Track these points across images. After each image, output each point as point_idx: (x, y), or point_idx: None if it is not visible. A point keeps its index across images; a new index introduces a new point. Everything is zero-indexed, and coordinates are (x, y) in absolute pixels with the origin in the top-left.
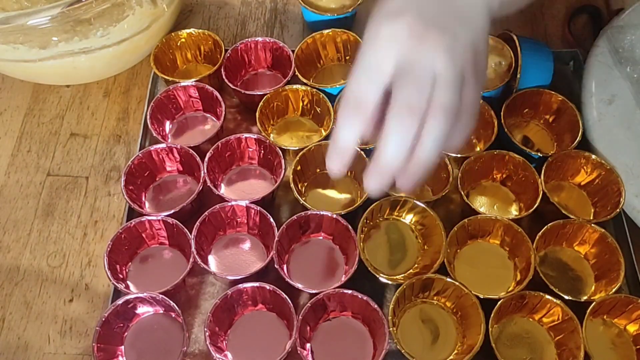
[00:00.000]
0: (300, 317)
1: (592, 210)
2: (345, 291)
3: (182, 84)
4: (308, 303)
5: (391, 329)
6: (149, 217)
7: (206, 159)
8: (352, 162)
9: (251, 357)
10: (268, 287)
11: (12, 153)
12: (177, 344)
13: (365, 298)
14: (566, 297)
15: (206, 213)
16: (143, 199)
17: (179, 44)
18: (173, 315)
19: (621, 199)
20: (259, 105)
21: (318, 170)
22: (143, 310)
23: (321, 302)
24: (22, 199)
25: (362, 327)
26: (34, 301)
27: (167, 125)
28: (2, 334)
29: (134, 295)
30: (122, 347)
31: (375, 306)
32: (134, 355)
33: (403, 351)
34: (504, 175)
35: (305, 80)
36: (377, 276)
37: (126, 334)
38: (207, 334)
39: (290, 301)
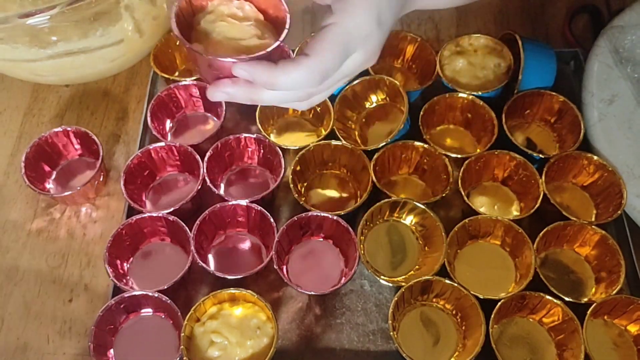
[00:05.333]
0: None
1: (595, 211)
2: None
3: (183, 82)
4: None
5: (392, 332)
6: (150, 214)
7: (205, 159)
8: None
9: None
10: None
11: (11, 153)
12: (173, 342)
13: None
14: (567, 299)
15: (207, 212)
16: (143, 198)
17: (178, 43)
18: (170, 314)
19: (623, 201)
20: (259, 105)
21: (318, 170)
22: (140, 308)
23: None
24: (21, 199)
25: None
26: (33, 301)
27: (168, 124)
28: (1, 334)
29: (130, 294)
30: (119, 345)
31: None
32: (131, 354)
33: (404, 355)
34: (505, 175)
35: None
36: (378, 278)
37: (123, 332)
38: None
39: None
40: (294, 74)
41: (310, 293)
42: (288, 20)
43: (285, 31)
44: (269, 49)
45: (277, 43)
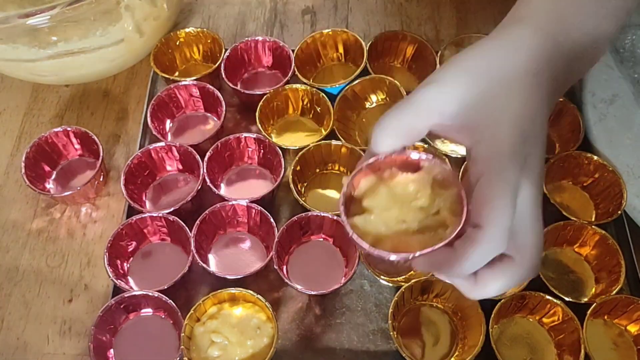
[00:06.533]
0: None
1: (595, 211)
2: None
3: (184, 82)
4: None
5: (391, 332)
6: (150, 214)
7: (205, 159)
8: None
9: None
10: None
11: (11, 153)
12: (173, 342)
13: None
14: (567, 299)
15: (206, 212)
16: (143, 198)
17: (178, 43)
18: (170, 314)
19: (623, 201)
20: (259, 105)
21: (318, 170)
22: (140, 309)
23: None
24: (21, 198)
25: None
26: (33, 301)
27: (168, 124)
28: (1, 334)
29: (130, 294)
30: (119, 345)
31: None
32: (131, 354)
33: (404, 354)
34: None
35: (305, 80)
36: (378, 278)
37: (123, 332)
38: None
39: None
40: (474, 256)
41: (310, 293)
42: (464, 204)
43: (464, 213)
44: (450, 237)
45: (458, 228)
